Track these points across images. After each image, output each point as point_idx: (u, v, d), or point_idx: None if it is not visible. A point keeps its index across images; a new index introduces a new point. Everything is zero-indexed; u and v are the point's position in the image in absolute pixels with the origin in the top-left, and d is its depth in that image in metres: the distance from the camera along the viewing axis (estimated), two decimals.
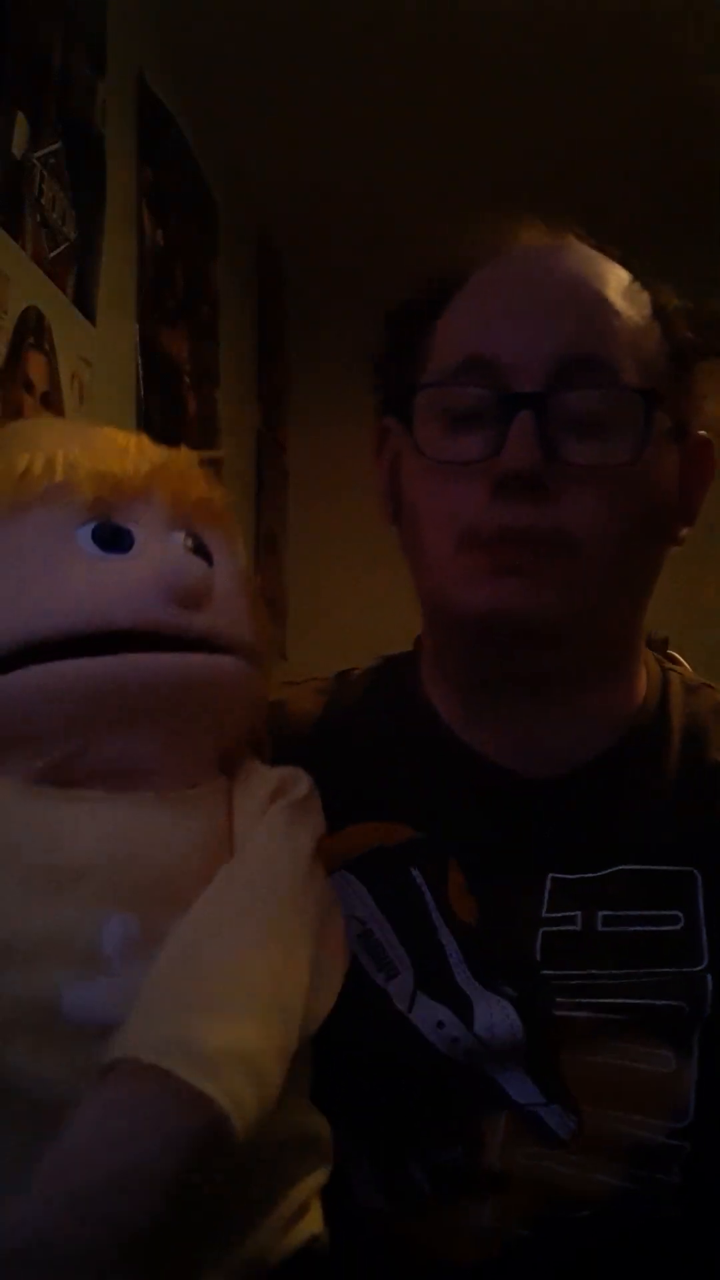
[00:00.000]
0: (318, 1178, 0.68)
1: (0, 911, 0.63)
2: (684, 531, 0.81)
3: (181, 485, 0.77)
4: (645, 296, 0.79)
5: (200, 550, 0.74)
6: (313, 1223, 0.66)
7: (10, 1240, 0.51)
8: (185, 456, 0.81)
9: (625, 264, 0.79)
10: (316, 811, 0.72)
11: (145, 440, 0.81)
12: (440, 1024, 0.71)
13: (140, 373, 2.34)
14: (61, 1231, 0.53)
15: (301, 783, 0.72)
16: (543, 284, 0.77)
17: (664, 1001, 0.69)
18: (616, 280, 0.78)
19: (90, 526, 0.70)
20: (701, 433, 0.79)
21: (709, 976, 0.70)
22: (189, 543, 0.73)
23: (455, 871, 0.75)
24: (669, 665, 0.86)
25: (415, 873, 0.75)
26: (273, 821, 0.69)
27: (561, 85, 2.80)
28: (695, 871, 0.73)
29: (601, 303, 0.76)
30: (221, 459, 0.82)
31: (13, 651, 0.66)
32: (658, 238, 3.59)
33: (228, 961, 0.61)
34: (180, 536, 0.73)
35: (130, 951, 0.63)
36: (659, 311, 0.79)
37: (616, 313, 0.76)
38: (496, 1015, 0.70)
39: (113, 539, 0.70)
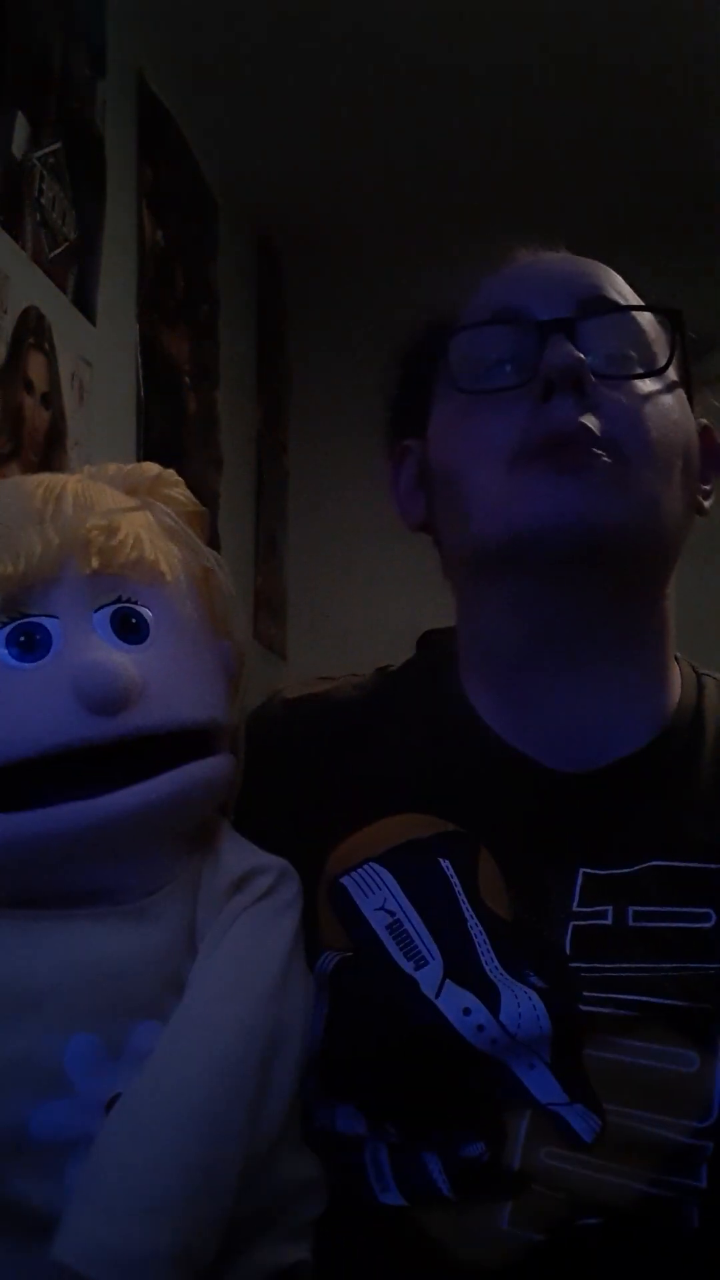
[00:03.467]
0: (313, 1210, 0.68)
1: None
2: (709, 502, 0.83)
3: (105, 548, 0.67)
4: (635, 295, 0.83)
5: (133, 624, 0.67)
6: (303, 1249, 0.67)
7: None
8: (112, 500, 0.71)
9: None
10: (287, 904, 0.70)
11: (69, 490, 0.70)
12: (467, 1010, 0.71)
13: (140, 373, 2.35)
14: None
15: (268, 873, 0.70)
16: (554, 259, 0.83)
17: (690, 1000, 0.69)
18: (616, 274, 0.84)
19: (3, 632, 0.64)
20: (703, 420, 0.83)
21: None
22: (119, 618, 0.67)
23: (487, 864, 0.75)
24: (702, 670, 0.87)
25: (446, 864, 0.75)
26: (236, 936, 0.67)
27: (561, 86, 2.80)
28: None
29: (609, 273, 0.82)
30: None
31: None
32: (656, 238, 3.61)
33: (161, 1152, 0.60)
34: (106, 615, 0.67)
35: (93, 1069, 0.62)
36: (662, 315, 0.83)
37: (617, 278, 0.82)
38: (524, 1005, 0.70)
39: (28, 643, 0.64)
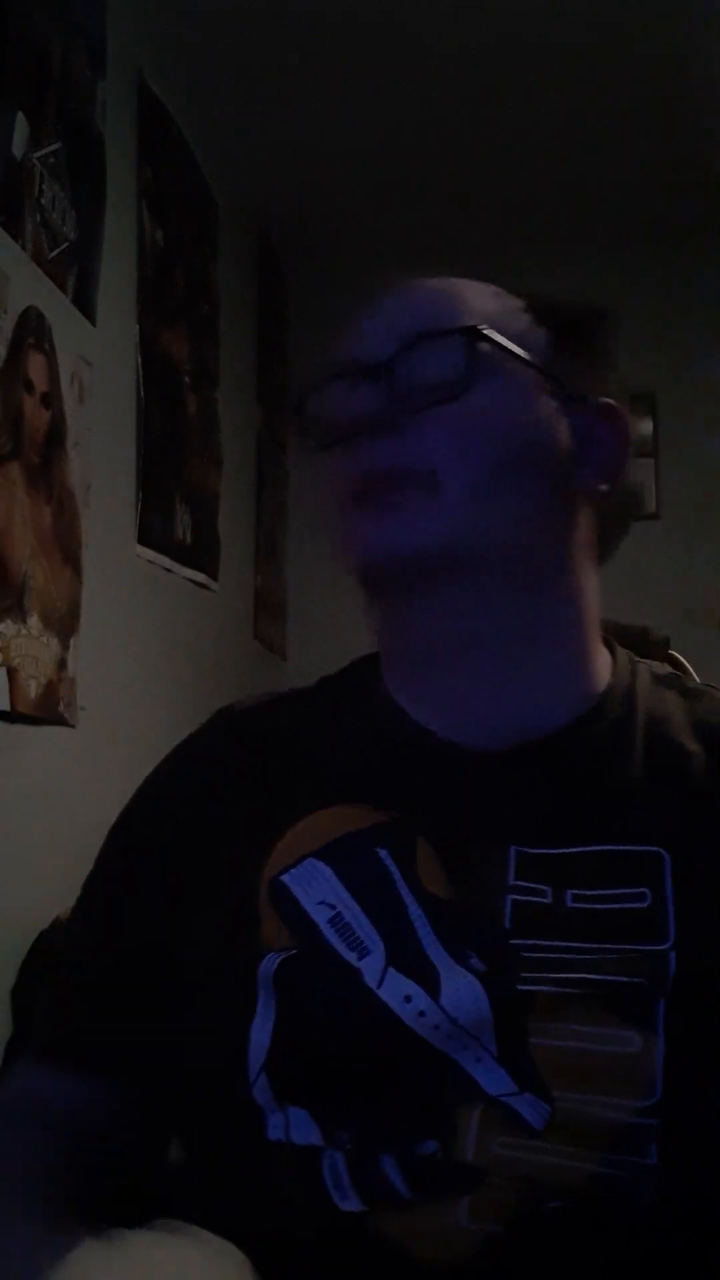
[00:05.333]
0: None
1: None
2: (602, 488, 0.84)
3: None
4: (505, 295, 0.85)
5: None
6: None
7: None
8: None
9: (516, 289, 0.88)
10: None
11: None
12: (408, 998, 0.71)
13: (140, 373, 2.35)
14: None
15: None
16: (390, 296, 0.85)
17: (627, 978, 0.71)
18: (465, 284, 0.85)
19: None
20: (605, 399, 0.85)
21: (672, 954, 0.71)
22: None
23: (423, 848, 0.76)
24: (639, 659, 0.89)
25: (384, 853, 0.76)
26: None
27: (561, 88, 2.80)
28: (663, 852, 0.74)
29: (443, 294, 0.83)
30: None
31: None
32: (655, 238, 3.61)
33: None
34: None
35: None
36: (531, 303, 0.85)
37: (460, 298, 0.83)
38: (463, 989, 0.71)
39: None
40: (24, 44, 1.83)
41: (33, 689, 1.79)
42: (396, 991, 0.72)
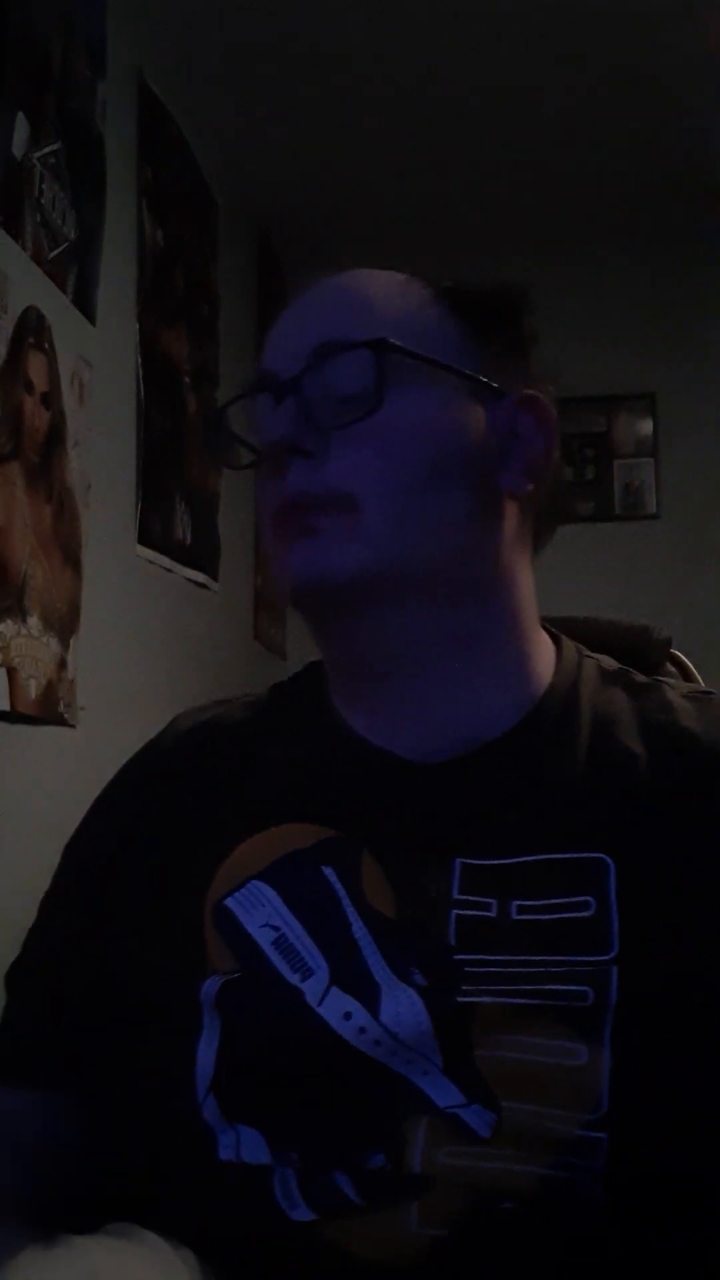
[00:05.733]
0: None
1: None
2: (530, 487, 0.81)
3: None
4: (418, 287, 0.82)
5: None
6: None
7: None
8: None
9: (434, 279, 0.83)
10: None
11: None
12: (348, 1014, 0.71)
13: (140, 373, 2.35)
14: None
15: None
16: (303, 305, 0.83)
17: (571, 987, 0.69)
18: (375, 281, 0.82)
19: None
20: (528, 390, 0.81)
21: (614, 968, 0.69)
22: None
23: (370, 865, 0.75)
24: (589, 654, 0.86)
25: (329, 871, 0.75)
26: None
27: (561, 88, 2.80)
28: (607, 859, 0.72)
29: (350, 298, 0.81)
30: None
31: None
32: (655, 238, 3.61)
33: None
34: None
35: None
36: (445, 296, 0.81)
37: (368, 302, 0.80)
38: (403, 1004, 0.70)
39: None
40: (24, 44, 1.83)
41: (33, 689, 1.80)
42: (337, 1009, 0.71)
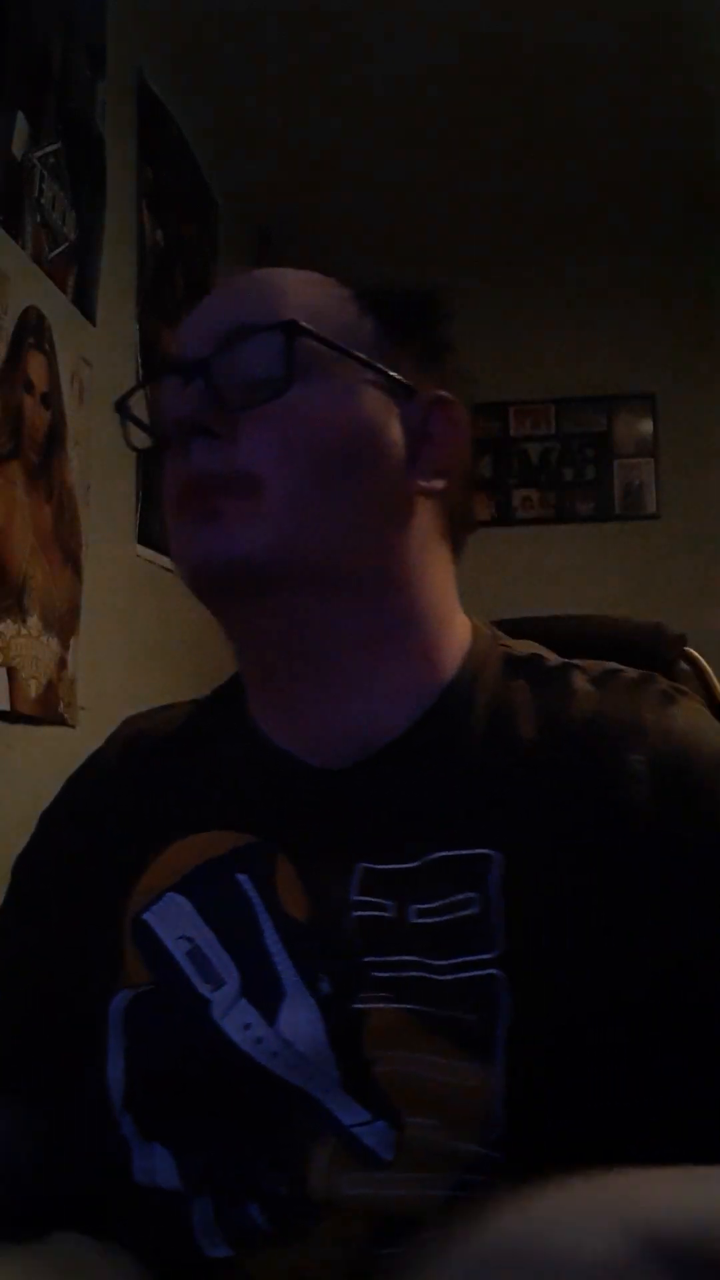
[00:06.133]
0: None
1: None
2: (438, 484, 0.79)
3: None
4: (334, 284, 0.81)
5: None
6: None
7: None
8: None
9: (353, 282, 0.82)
10: None
11: None
12: (247, 1025, 0.70)
13: (140, 373, 2.35)
14: None
15: None
16: (217, 294, 0.82)
17: (464, 995, 0.67)
18: (291, 274, 0.82)
19: None
20: (440, 392, 0.80)
21: (501, 975, 0.67)
22: None
23: (285, 870, 0.74)
24: (506, 642, 0.83)
25: (244, 879, 0.74)
26: None
27: (563, 88, 2.80)
28: (494, 853, 0.70)
29: (264, 286, 0.80)
30: None
31: None
32: (656, 238, 3.60)
33: None
34: None
35: None
36: (363, 295, 0.81)
37: (282, 290, 0.79)
38: (301, 1013, 0.69)
39: None
40: (24, 44, 1.83)
41: (33, 689, 1.80)
42: (239, 1021, 0.70)
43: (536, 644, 0.84)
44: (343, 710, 0.77)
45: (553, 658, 0.82)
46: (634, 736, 0.72)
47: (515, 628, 0.87)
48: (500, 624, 0.87)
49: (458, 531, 0.83)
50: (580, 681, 0.77)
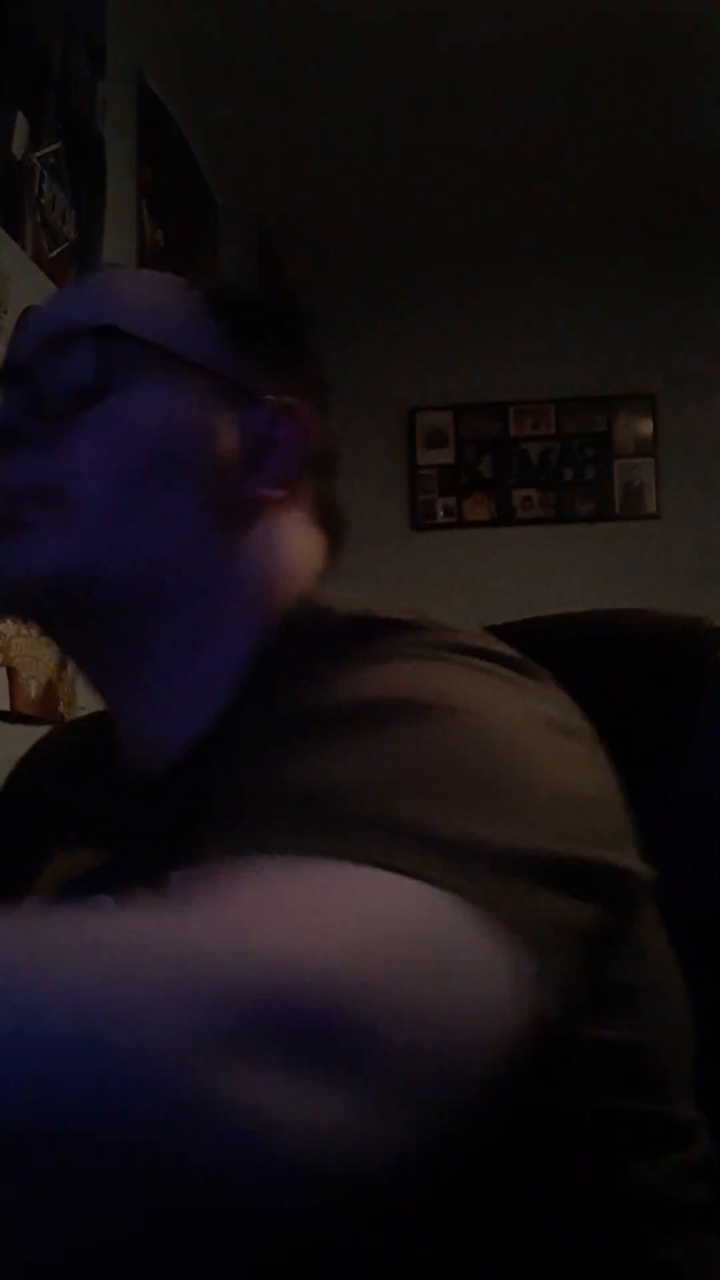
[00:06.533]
0: None
1: None
2: (279, 493, 0.77)
3: None
4: (180, 286, 0.79)
5: None
6: None
7: None
8: None
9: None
10: None
11: None
12: None
13: None
14: None
15: None
16: (53, 294, 0.81)
17: None
18: (130, 275, 0.80)
19: None
20: (285, 398, 0.77)
21: None
22: None
23: (140, 887, 0.73)
24: (325, 607, 0.77)
25: (106, 899, 0.70)
26: None
27: (562, 88, 2.80)
28: None
29: (97, 288, 0.78)
30: None
31: None
32: (656, 238, 3.60)
33: None
34: None
35: None
36: (209, 298, 0.78)
37: (113, 292, 0.77)
38: None
39: None
40: (24, 44, 1.83)
41: (33, 689, 1.79)
42: None
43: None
44: (160, 720, 0.75)
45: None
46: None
47: (547, 627, 0.87)
48: (528, 623, 0.86)
49: (331, 532, 0.81)
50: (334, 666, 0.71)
